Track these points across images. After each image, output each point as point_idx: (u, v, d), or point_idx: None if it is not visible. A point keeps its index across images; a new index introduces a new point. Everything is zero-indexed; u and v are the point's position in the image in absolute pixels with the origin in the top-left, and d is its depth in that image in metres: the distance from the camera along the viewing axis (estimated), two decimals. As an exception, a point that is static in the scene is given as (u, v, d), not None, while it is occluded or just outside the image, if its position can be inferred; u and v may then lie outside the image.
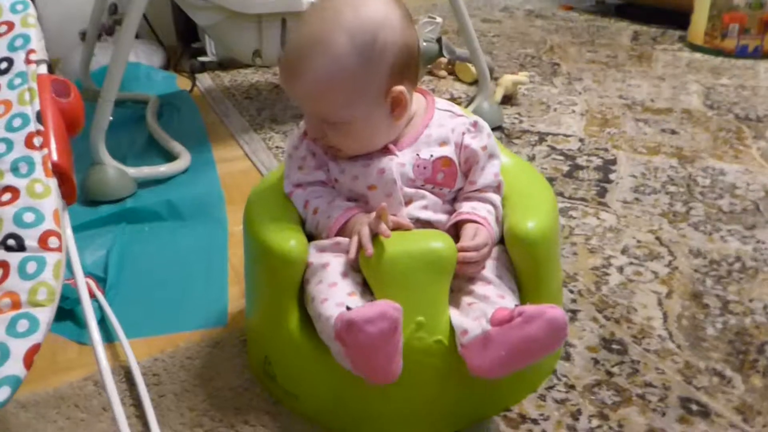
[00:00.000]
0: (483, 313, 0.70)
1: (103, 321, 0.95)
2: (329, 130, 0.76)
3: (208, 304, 1.00)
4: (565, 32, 2.69)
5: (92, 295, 0.97)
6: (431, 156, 0.78)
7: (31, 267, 0.60)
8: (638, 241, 1.14)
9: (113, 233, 1.16)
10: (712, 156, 1.48)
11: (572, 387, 0.82)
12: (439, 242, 0.73)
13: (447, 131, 0.81)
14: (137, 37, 2.41)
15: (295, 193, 0.81)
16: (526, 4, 3.24)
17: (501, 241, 0.80)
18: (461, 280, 0.75)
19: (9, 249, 0.61)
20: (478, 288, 0.74)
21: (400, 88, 0.74)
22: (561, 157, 1.49)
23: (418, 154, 0.78)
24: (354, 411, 0.74)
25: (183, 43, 2.40)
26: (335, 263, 0.73)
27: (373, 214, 0.73)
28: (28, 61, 0.72)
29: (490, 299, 0.72)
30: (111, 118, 1.32)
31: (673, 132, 1.62)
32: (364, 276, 0.73)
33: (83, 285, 0.72)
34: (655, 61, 2.26)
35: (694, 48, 2.39)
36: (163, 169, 1.40)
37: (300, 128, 0.83)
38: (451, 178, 0.80)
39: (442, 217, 0.79)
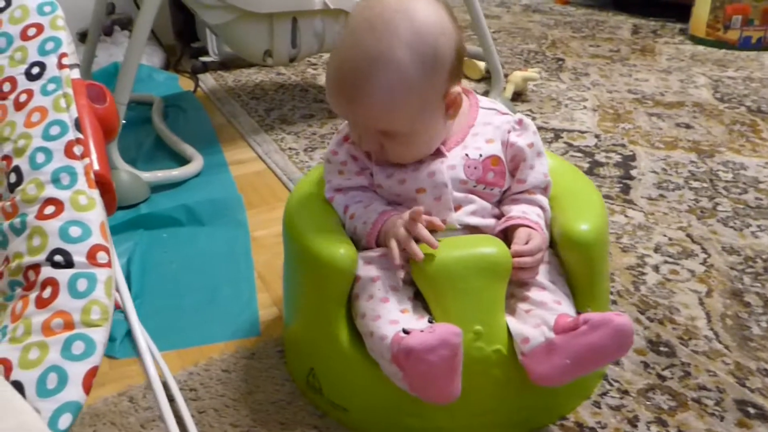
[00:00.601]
0: (543, 320, 0.68)
1: (128, 334, 0.91)
2: (388, 143, 0.73)
3: (238, 312, 0.97)
4: (565, 27, 2.68)
5: (117, 306, 0.94)
6: (480, 155, 0.76)
7: (81, 284, 0.57)
8: (669, 239, 1.13)
9: (132, 240, 1.13)
10: (729, 150, 1.47)
11: (626, 392, 0.80)
12: (492, 247, 0.70)
13: (492, 129, 0.79)
14: (134, 36, 2.38)
15: (336, 198, 0.79)
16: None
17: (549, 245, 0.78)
18: (514, 286, 0.73)
19: (57, 265, 0.57)
20: (534, 294, 0.72)
21: (457, 89, 0.73)
22: (579, 154, 1.47)
23: (467, 154, 0.76)
24: (408, 423, 0.72)
25: (182, 42, 2.35)
26: (384, 277, 0.71)
27: (406, 215, 0.70)
28: (60, 66, 0.69)
29: (548, 305, 0.70)
30: (123, 121, 1.28)
31: (688, 126, 1.61)
32: (417, 286, 0.71)
33: (128, 298, 0.70)
34: (658, 55, 2.25)
35: (697, 40, 2.39)
36: (177, 172, 1.37)
37: (340, 132, 0.80)
38: (501, 176, 0.77)
39: (490, 221, 0.77)
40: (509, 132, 0.79)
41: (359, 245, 0.74)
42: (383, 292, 0.69)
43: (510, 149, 0.78)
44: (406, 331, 0.64)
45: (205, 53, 2.24)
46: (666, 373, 0.83)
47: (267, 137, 1.61)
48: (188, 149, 1.48)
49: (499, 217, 0.78)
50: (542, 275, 0.74)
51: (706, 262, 1.06)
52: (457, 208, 0.76)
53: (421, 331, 0.62)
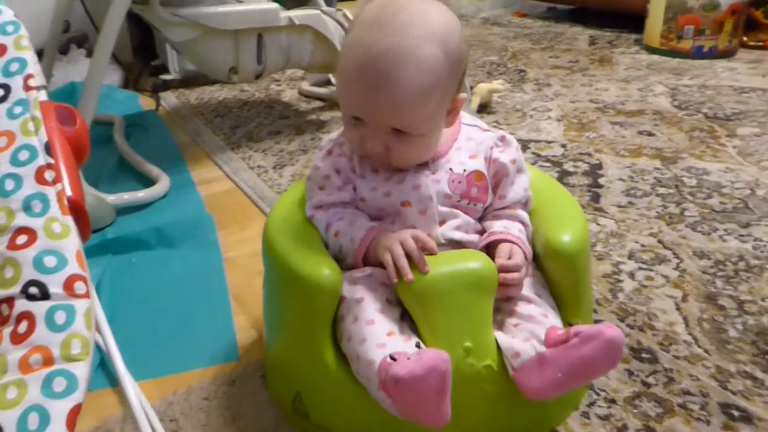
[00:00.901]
0: (532, 334, 0.67)
1: (102, 363, 0.88)
2: (396, 143, 0.71)
3: (215, 337, 0.94)
4: (524, 39, 2.72)
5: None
6: (464, 170, 0.76)
7: (59, 317, 0.54)
8: (642, 245, 1.14)
9: (100, 266, 1.09)
10: (692, 156, 1.50)
11: (613, 401, 0.80)
12: (478, 262, 0.70)
13: (475, 145, 0.79)
14: (91, 55, 2.33)
15: (317, 215, 0.77)
16: (480, 12, 3.27)
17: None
18: (499, 300, 0.73)
19: (32, 298, 0.55)
20: (520, 308, 0.71)
21: (462, 95, 0.74)
22: (548, 164, 1.48)
23: (451, 168, 0.76)
24: (400, 444, 0.70)
25: (141, 60, 2.31)
26: (370, 298, 0.69)
27: (406, 233, 0.69)
28: (27, 88, 0.66)
29: (536, 318, 0.70)
30: (86, 143, 1.24)
31: (650, 134, 1.64)
32: (404, 304, 0.69)
33: (105, 324, 0.67)
34: (616, 65, 2.30)
35: (652, 50, 2.45)
36: (143, 194, 1.33)
37: (322, 148, 0.79)
38: (484, 192, 0.77)
39: (474, 237, 0.77)
40: (492, 148, 0.79)
41: (342, 264, 0.73)
42: (369, 314, 0.68)
43: (492, 165, 0.78)
44: (393, 358, 0.62)
45: (166, 71, 2.21)
46: (650, 379, 0.84)
47: (234, 155, 1.59)
48: (153, 170, 1.45)
49: (481, 233, 0.78)
50: (527, 288, 0.74)
51: (679, 267, 1.07)
52: (442, 222, 0.75)
53: (408, 358, 0.61)
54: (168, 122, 1.86)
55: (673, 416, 0.78)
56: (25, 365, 0.52)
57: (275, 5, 1.49)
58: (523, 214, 0.78)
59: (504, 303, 0.73)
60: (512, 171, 0.78)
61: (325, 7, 1.65)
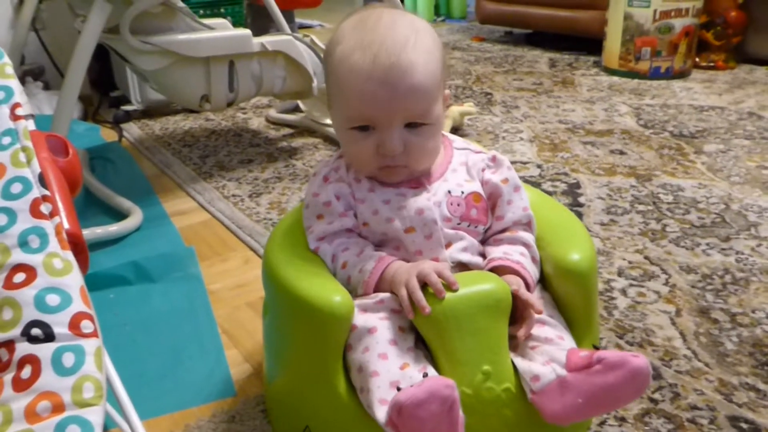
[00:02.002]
0: (552, 357, 0.66)
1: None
2: (413, 137, 0.72)
3: (208, 373, 0.90)
4: (486, 62, 2.76)
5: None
6: (462, 192, 0.75)
7: (68, 359, 0.50)
8: (629, 262, 1.15)
9: (77, 304, 1.04)
10: (664, 173, 1.53)
11: (623, 419, 0.79)
12: (492, 283, 0.68)
13: (469, 168, 0.79)
14: (47, 87, 2.26)
15: (321, 248, 0.74)
16: (439, 37, 3.31)
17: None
18: (512, 322, 0.71)
19: (35, 340, 0.51)
20: (535, 330, 0.70)
21: (447, 92, 0.77)
22: (526, 185, 1.48)
23: (449, 191, 0.75)
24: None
25: (99, 92, 2.25)
26: (382, 327, 0.67)
27: (426, 264, 0.68)
28: (15, 117, 0.63)
29: (554, 341, 0.68)
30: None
31: (621, 152, 1.67)
32: (418, 330, 0.67)
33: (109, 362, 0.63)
34: (578, 86, 2.35)
35: (611, 71, 2.51)
36: (116, 228, 1.28)
37: (318, 175, 0.77)
38: (484, 213, 0.76)
39: (479, 259, 0.75)
40: (484, 170, 0.79)
41: (352, 295, 0.70)
42: (381, 347, 0.65)
43: (486, 187, 0.78)
44: (399, 388, 0.60)
45: (127, 102, 2.16)
46: (657, 395, 0.83)
47: (207, 185, 1.55)
48: (124, 202, 1.40)
49: (484, 255, 0.77)
50: (538, 310, 0.72)
51: (668, 283, 1.08)
52: (448, 245, 0.73)
53: (411, 386, 0.58)
54: (133, 154, 1.81)
55: (684, 431, 0.77)
56: (31, 414, 0.47)
57: (247, 31, 1.47)
58: (526, 236, 0.77)
59: (518, 325, 0.71)
60: (506, 191, 0.77)
61: (295, 33, 1.64)
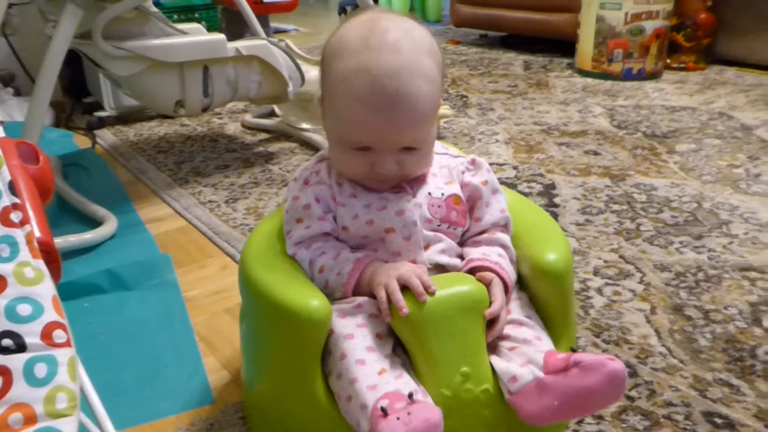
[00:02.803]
0: (529, 359, 0.66)
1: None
2: (407, 157, 0.71)
3: (185, 381, 0.89)
4: (461, 65, 2.78)
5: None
6: (443, 194, 0.76)
7: (40, 370, 0.49)
8: (605, 261, 1.16)
9: (51, 314, 1.02)
10: (638, 173, 1.55)
11: (601, 417, 0.80)
12: (469, 284, 0.69)
13: (449, 171, 0.79)
14: (18, 94, 2.23)
15: (299, 253, 0.74)
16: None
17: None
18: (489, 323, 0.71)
19: (6, 351, 0.50)
20: (513, 331, 0.70)
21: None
22: (503, 186, 1.49)
23: (430, 193, 0.75)
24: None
25: (72, 98, 2.22)
26: (360, 334, 0.67)
27: (403, 267, 0.68)
28: (-17, 125, 0.62)
29: (532, 342, 0.68)
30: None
31: (596, 153, 1.69)
32: (397, 334, 0.67)
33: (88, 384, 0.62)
34: (553, 88, 2.37)
35: (584, 73, 2.54)
36: (90, 235, 1.27)
37: (298, 179, 0.77)
38: (463, 216, 0.77)
39: (456, 261, 0.76)
40: (463, 173, 0.79)
41: (329, 299, 0.70)
42: (359, 353, 0.65)
43: (466, 189, 0.78)
44: (384, 409, 0.59)
45: (100, 108, 2.13)
46: (633, 393, 0.84)
47: (183, 191, 1.53)
48: (98, 210, 1.39)
49: (462, 257, 0.77)
50: (516, 311, 0.73)
51: (643, 281, 1.09)
52: (426, 247, 0.74)
53: (398, 417, 0.57)
54: (107, 160, 1.79)
55: (660, 428, 0.78)
56: (3, 426, 0.47)
57: (221, 36, 1.46)
58: (503, 237, 0.77)
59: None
60: (485, 193, 0.78)
61: (270, 38, 1.63)
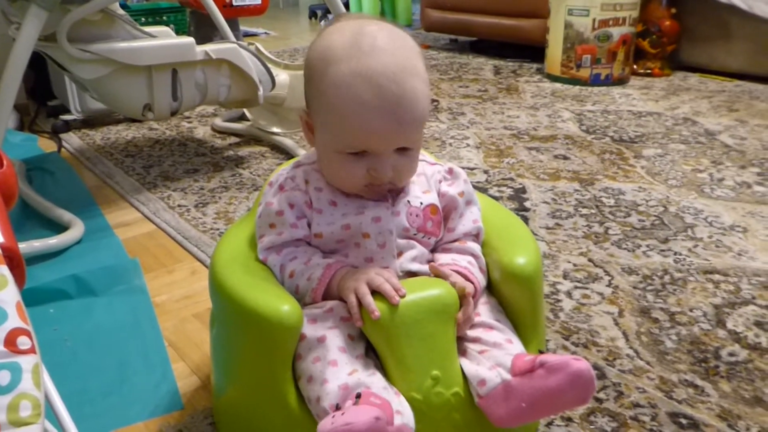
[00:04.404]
0: (498, 362, 0.67)
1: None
2: (401, 160, 0.72)
3: (154, 387, 0.88)
4: (431, 70, 2.79)
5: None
6: (421, 204, 0.76)
7: (3, 377, 0.48)
8: (574, 265, 1.17)
9: (14, 321, 1.00)
10: (606, 177, 1.58)
11: (570, 419, 0.81)
12: (440, 288, 0.69)
13: (426, 179, 0.79)
14: (-19, 97, 2.18)
15: (270, 258, 0.74)
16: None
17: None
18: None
19: (-33, 359, 0.49)
20: (483, 334, 0.71)
21: None
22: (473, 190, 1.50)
23: (409, 201, 0.75)
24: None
25: (36, 101, 2.18)
26: (331, 336, 0.66)
27: (372, 272, 0.68)
28: (-56, 128, 0.60)
29: (502, 345, 0.69)
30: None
31: (565, 157, 1.71)
32: (368, 338, 0.67)
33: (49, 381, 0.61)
34: (522, 93, 2.39)
35: (553, 78, 2.57)
36: (56, 240, 1.24)
37: (273, 184, 0.76)
38: (438, 226, 0.77)
39: (427, 267, 0.76)
40: (440, 182, 0.79)
41: (300, 304, 0.70)
42: (331, 354, 0.65)
43: (443, 199, 0.78)
44: (339, 407, 0.59)
45: (66, 111, 2.10)
46: (601, 395, 0.85)
47: (151, 196, 1.52)
48: (64, 214, 1.36)
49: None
50: (485, 315, 0.73)
51: (611, 284, 1.11)
52: (399, 254, 0.74)
53: (333, 416, 0.56)
54: (73, 164, 1.76)
55: (628, 429, 0.79)
56: (-35, 436, 0.46)
57: (190, 39, 1.45)
58: (474, 247, 0.78)
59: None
60: (461, 204, 0.78)
61: (239, 41, 1.62)
